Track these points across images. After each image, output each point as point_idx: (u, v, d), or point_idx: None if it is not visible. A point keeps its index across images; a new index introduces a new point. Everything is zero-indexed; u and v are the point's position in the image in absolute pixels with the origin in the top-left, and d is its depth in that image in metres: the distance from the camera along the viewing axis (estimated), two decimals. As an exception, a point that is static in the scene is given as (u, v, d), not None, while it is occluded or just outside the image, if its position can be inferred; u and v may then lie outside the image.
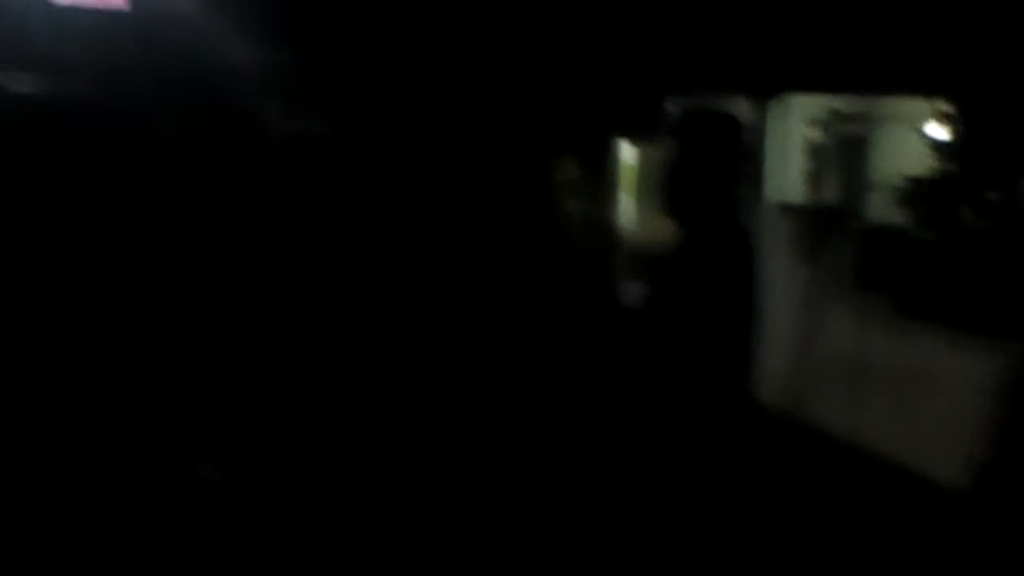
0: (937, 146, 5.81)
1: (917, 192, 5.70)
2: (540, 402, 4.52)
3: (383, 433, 4.44)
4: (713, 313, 2.96)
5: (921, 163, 5.82)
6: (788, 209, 6.76)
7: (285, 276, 4.76)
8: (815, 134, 7.36)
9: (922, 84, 6.11)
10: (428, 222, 5.34)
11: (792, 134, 7.69)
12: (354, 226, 5.15)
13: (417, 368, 4.70)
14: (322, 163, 5.23)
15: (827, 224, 6.28)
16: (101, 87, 5.16)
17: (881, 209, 6.12)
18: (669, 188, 3.07)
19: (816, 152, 7.32)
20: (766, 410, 3.46)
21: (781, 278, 6.00)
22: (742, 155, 3.13)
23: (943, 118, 5.83)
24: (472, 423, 4.53)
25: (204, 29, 5.04)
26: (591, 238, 6.63)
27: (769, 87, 7.56)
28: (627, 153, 9.02)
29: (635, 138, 8.56)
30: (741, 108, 8.49)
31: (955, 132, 5.70)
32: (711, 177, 3.04)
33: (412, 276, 5.07)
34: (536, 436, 4.40)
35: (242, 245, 4.72)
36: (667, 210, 3.09)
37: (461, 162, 5.72)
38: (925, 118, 6.10)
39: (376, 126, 5.49)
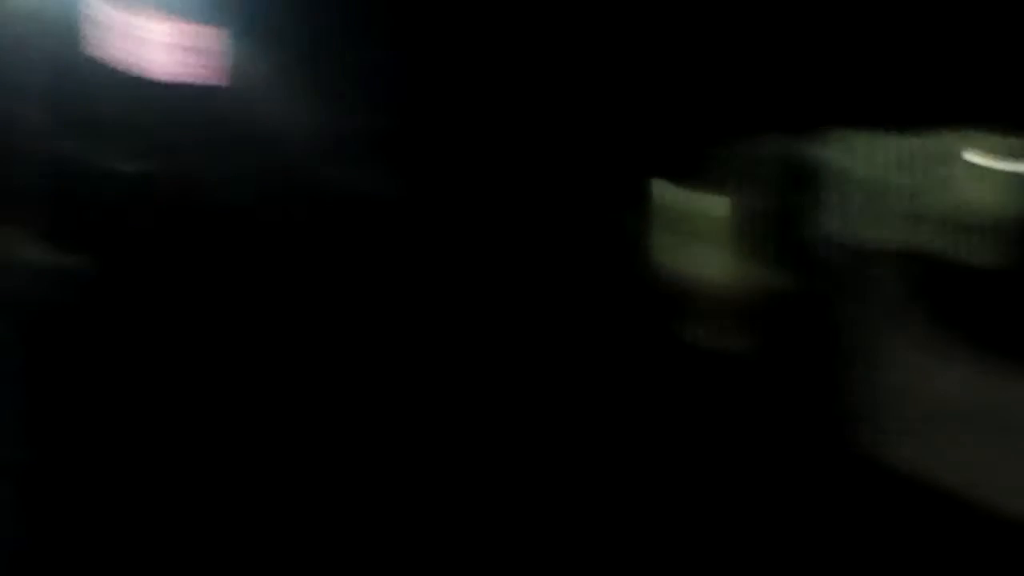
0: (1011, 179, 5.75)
1: (986, 226, 5.63)
2: (626, 451, 4.52)
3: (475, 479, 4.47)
4: (820, 359, 2.99)
5: (983, 196, 5.76)
6: (852, 249, 6.73)
7: (368, 345, 4.85)
8: (874, 170, 7.33)
9: (987, 115, 6.06)
10: (504, 281, 5.42)
11: (849, 172, 7.66)
12: (434, 291, 5.25)
13: (502, 432, 4.72)
14: (407, 229, 5.35)
15: (893, 263, 6.24)
16: (185, 162, 5.33)
17: (945, 244, 6.05)
18: (764, 234, 3.11)
19: (874, 189, 7.28)
20: (862, 457, 3.44)
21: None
22: (825, 198, 3.16)
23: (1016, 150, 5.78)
24: (562, 475, 4.52)
25: (284, 98, 5.25)
26: (665, 286, 6.68)
27: (822, 125, 7.56)
28: (695, 199, 9.06)
29: (696, 183, 8.59)
30: (796, 148, 8.45)
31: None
32: (805, 221, 3.09)
33: (493, 335, 5.14)
34: (624, 491, 4.37)
35: (326, 314, 4.84)
36: (763, 255, 3.13)
37: (532, 216, 5.81)
38: (989, 150, 6.03)
39: (458, 192, 5.62)
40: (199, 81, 5.72)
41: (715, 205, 9.09)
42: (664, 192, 8.89)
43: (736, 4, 6.79)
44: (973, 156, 6.64)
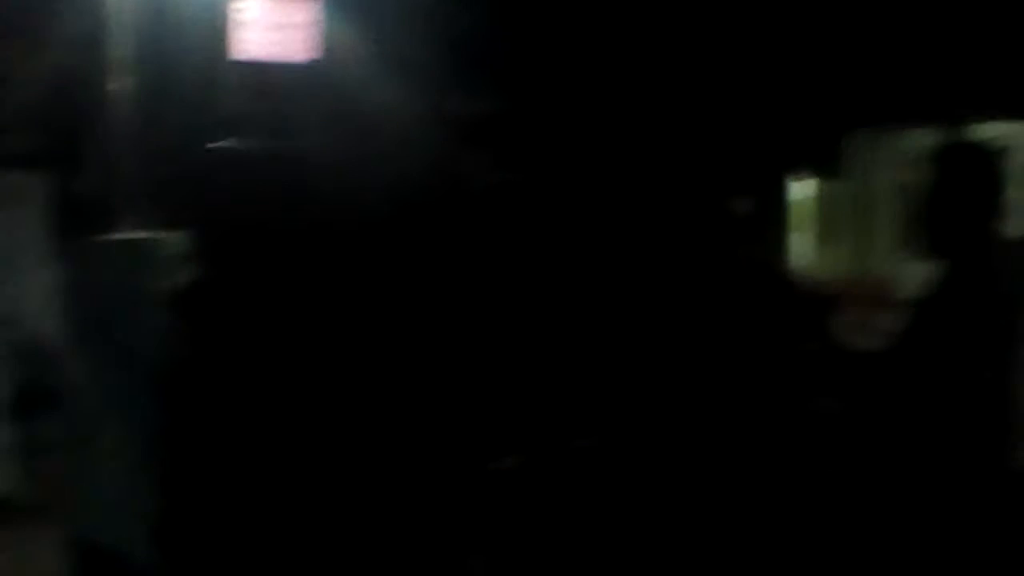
0: None
1: None
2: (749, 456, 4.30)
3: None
4: (974, 356, 2.74)
5: None
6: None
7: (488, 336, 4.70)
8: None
9: None
10: (621, 269, 5.22)
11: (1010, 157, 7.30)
12: (556, 276, 5.08)
13: (621, 425, 4.56)
14: (524, 213, 5.18)
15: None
16: (291, 143, 5.24)
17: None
18: (925, 222, 2.90)
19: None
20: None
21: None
22: (998, 188, 2.93)
23: None
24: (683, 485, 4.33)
25: (398, 80, 5.07)
26: (776, 277, 6.39)
27: (961, 115, 7.22)
28: (805, 188, 8.74)
29: (814, 172, 8.29)
30: (928, 139, 8.13)
31: None
32: (969, 211, 2.86)
33: (608, 322, 4.95)
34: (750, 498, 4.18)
35: (448, 300, 4.68)
36: (922, 245, 2.92)
37: (650, 206, 5.60)
38: None
39: (574, 174, 5.43)
40: (299, 60, 5.56)
41: (867, 197, 8.77)
42: (808, 185, 8.61)
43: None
44: None
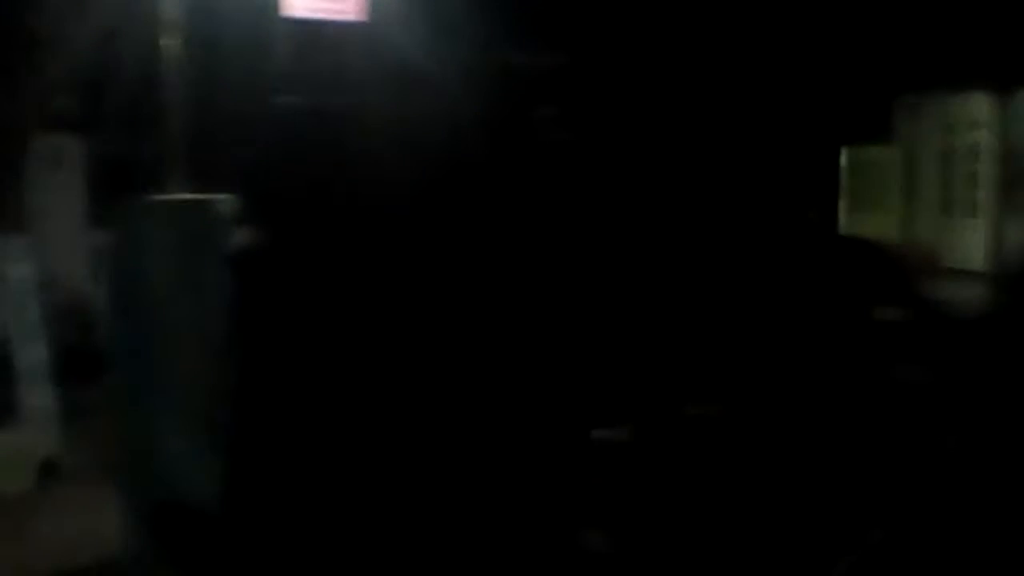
0: None
1: None
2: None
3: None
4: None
5: None
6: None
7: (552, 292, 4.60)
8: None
9: None
10: (683, 232, 5.13)
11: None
12: (619, 233, 4.99)
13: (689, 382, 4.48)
14: (587, 169, 5.09)
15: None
16: (345, 100, 5.16)
17: None
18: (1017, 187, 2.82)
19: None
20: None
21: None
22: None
23: None
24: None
25: (454, 37, 4.99)
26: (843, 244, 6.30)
27: (1007, 81, 7.10)
28: (850, 154, 8.63)
29: (865, 138, 8.18)
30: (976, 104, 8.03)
31: None
32: None
33: (672, 285, 4.87)
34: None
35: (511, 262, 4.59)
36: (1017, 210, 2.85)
37: (708, 170, 5.51)
38: None
39: (637, 132, 5.34)
40: (353, 17, 5.50)
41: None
42: (853, 151, 8.48)
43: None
44: None
